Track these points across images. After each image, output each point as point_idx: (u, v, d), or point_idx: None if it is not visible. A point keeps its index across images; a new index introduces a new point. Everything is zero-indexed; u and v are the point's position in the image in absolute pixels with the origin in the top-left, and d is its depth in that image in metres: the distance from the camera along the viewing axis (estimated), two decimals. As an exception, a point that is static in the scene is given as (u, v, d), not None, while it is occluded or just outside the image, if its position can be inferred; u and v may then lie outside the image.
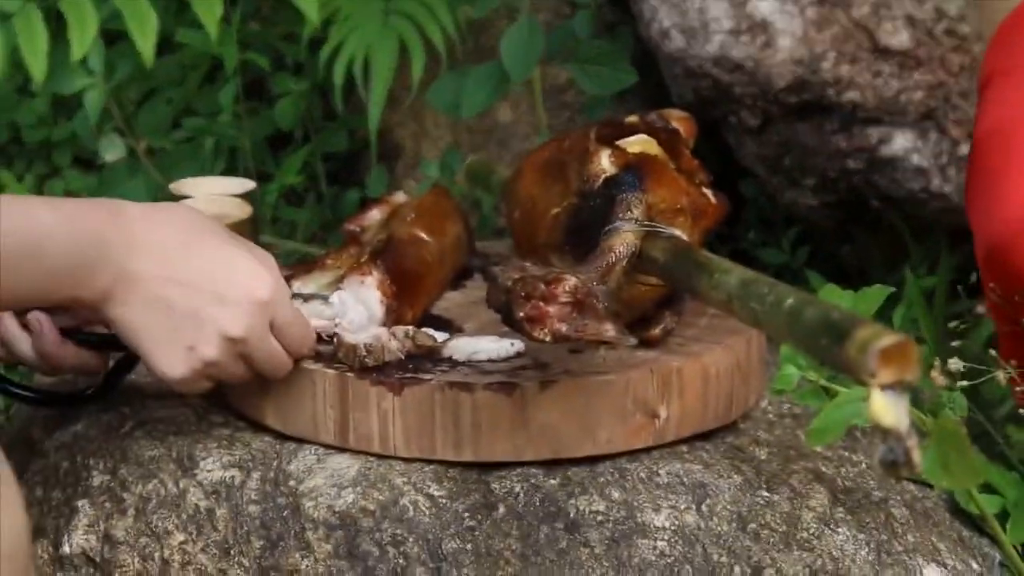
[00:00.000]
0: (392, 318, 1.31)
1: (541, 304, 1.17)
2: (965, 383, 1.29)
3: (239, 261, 1.21)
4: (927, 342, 1.91)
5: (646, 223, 1.24)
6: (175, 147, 2.15)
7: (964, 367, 1.29)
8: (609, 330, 1.17)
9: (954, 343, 1.36)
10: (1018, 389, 1.31)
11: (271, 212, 2.11)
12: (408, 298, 1.33)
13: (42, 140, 2.20)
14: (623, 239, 1.23)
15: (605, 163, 1.29)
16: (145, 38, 2.00)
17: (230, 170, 2.17)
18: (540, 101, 2.02)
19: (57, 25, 2.04)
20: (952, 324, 1.37)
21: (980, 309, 1.36)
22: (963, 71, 1.79)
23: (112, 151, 2.12)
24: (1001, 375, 1.31)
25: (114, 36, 2.14)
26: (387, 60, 2.04)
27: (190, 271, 1.19)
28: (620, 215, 1.25)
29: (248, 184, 1.50)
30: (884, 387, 0.92)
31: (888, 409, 0.91)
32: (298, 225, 2.14)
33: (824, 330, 0.97)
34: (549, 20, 2.07)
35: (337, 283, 1.32)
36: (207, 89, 2.18)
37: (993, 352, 1.31)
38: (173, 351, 1.20)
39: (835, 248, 2.06)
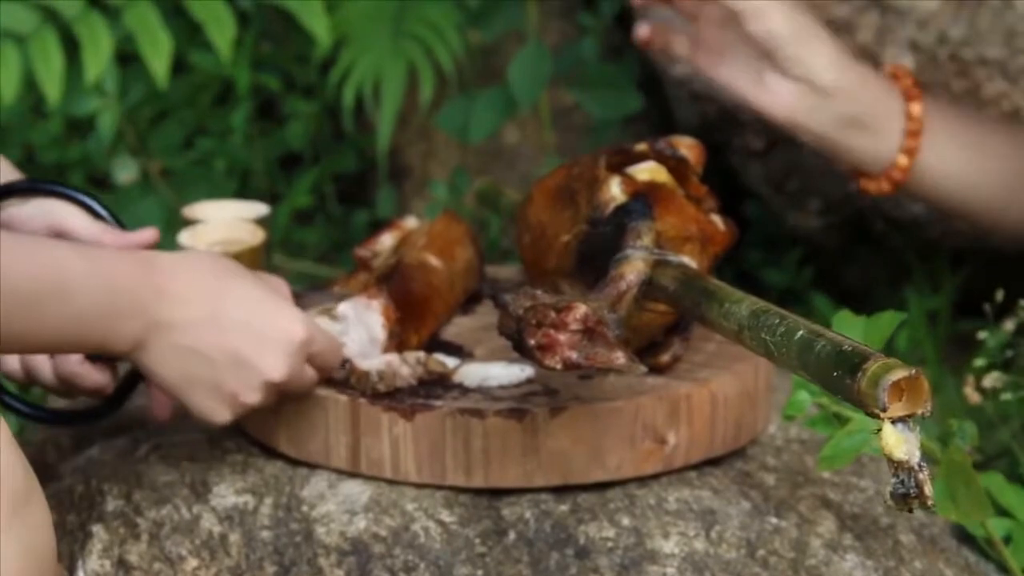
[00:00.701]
0: (394, 343, 1.32)
1: (552, 332, 1.18)
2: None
3: (270, 303, 1.22)
4: (930, 362, 1.92)
5: (656, 251, 1.25)
6: (188, 168, 2.17)
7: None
8: (620, 358, 1.18)
9: (976, 360, 1.36)
10: None
11: (281, 233, 2.13)
12: (413, 323, 1.34)
13: (56, 160, 2.21)
14: (633, 267, 1.25)
15: (615, 191, 1.31)
16: (159, 60, 2.02)
17: (242, 191, 2.19)
18: (547, 123, 2.03)
19: (71, 47, 2.06)
20: (982, 335, 1.37)
21: (981, 335, 1.37)
22: (967, 95, 1.81)
23: (125, 172, 2.14)
24: None
25: (127, 58, 2.16)
26: (396, 82, 2.06)
27: (225, 319, 1.20)
28: (630, 243, 1.26)
29: (261, 209, 1.51)
30: (895, 420, 0.93)
31: (899, 442, 0.93)
32: (308, 246, 2.15)
33: (836, 363, 0.98)
34: (556, 43, 2.09)
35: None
36: (219, 110, 2.20)
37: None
38: (216, 399, 1.21)
39: (839, 269, 2.08)
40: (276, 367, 1.21)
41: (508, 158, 2.16)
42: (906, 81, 1.49)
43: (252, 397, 1.21)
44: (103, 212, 1.33)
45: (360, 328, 1.31)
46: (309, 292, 1.45)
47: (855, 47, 1.82)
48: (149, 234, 1.31)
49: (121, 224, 1.34)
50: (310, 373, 1.26)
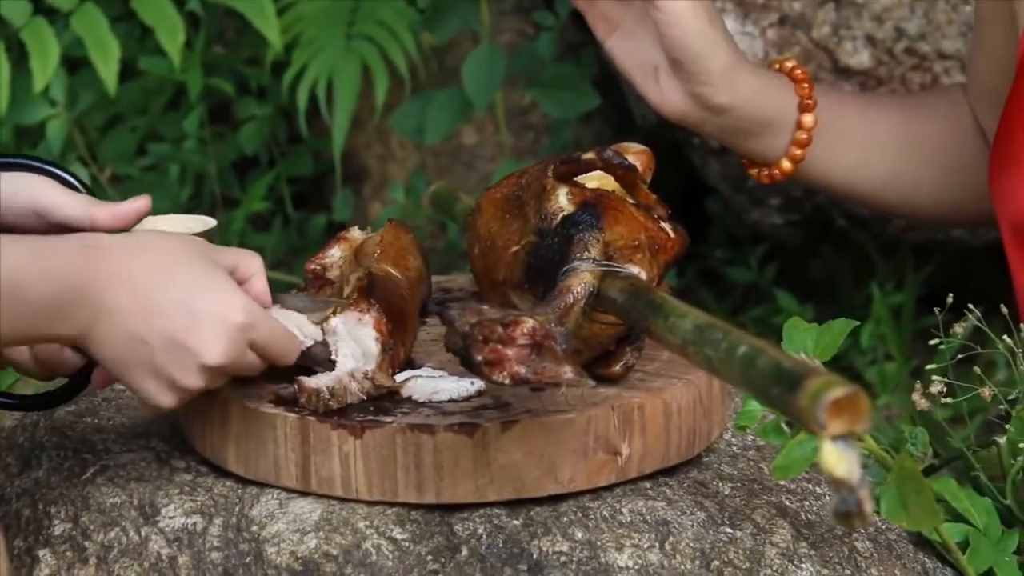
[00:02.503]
0: (389, 356, 1.30)
1: (499, 347, 1.17)
2: (948, 400, 1.30)
3: (210, 285, 1.21)
4: (895, 359, 1.92)
5: (603, 263, 1.24)
6: (140, 175, 2.15)
7: (943, 387, 1.30)
8: (567, 372, 1.17)
9: (928, 366, 1.36)
10: None
11: (237, 239, 2.11)
12: (400, 336, 1.32)
13: (6, 169, 2.19)
14: (581, 279, 1.23)
15: (563, 201, 1.29)
16: (108, 66, 2.01)
17: (196, 196, 2.17)
18: (504, 124, 2.02)
19: (18, 54, 2.04)
20: (933, 341, 1.37)
21: (957, 328, 1.37)
22: (924, 88, 1.80)
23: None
24: (985, 391, 1.31)
25: (76, 63, 2.14)
26: (350, 83, 2.04)
27: (164, 302, 1.18)
28: (578, 255, 1.25)
29: (209, 222, 1.49)
30: (835, 438, 0.92)
31: (839, 460, 0.91)
32: (265, 251, 2.13)
33: (776, 379, 0.97)
34: (512, 41, 2.08)
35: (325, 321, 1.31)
36: (171, 115, 2.18)
37: (977, 369, 1.32)
38: (158, 384, 1.20)
39: (803, 265, 2.07)
40: (212, 351, 1.19)
41: (466, 159, 2.14)
42: (804, 88, 1.49)
43: (191, 380, 1.20)
44: (79, 186, 1.30)
45: (350, 343, 1.29)
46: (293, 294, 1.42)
47: (812, 42, 1.81)
48: (142, 203, 1.29)
49: (93, 195, 1.31)
50: (252, 358, 1.23)
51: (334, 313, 1.30)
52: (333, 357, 1.29)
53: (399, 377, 1.30)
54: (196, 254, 1.22)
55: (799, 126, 1.50)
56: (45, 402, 1.34)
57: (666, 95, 1.48)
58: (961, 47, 1.78)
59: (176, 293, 1.19)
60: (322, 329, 1.29)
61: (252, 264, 1.27)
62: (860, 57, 1.80)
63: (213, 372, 1.20)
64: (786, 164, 1.52)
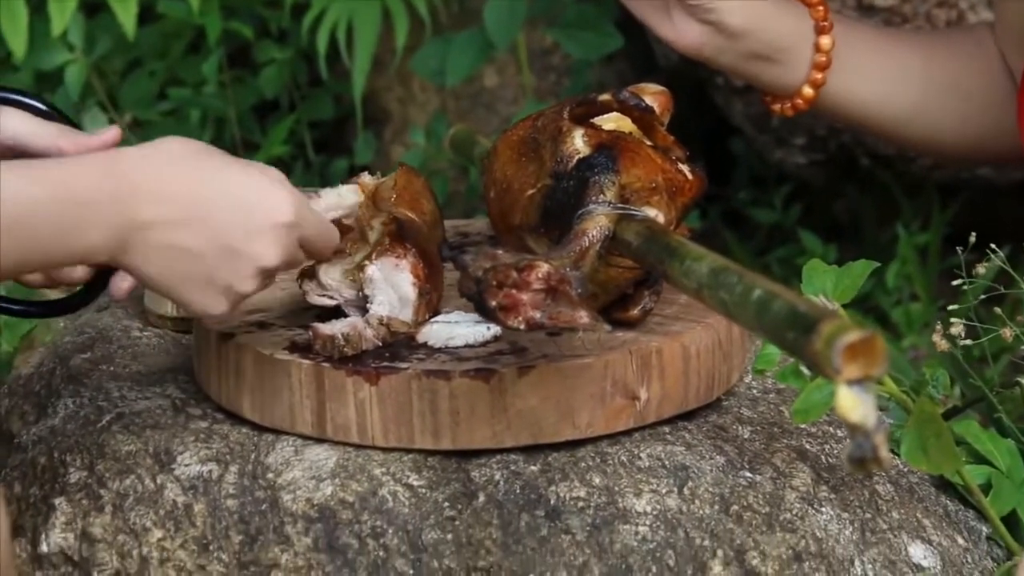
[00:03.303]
0: (424, 302, 1.29)
1: (514, 292, 1.16)
2: (968, 342, 1.28)
3: (254, 185, 1.17)
4: (921, 299, 1.90)
5: (619, 206, 1.22)
6: (160, 119, 2.14)
7: (964, 329, 1.28)
8: (583, 317, 1.16)
9: (950, 306, 1.34)
10: None
11: (258, 183, 2.10)
12: (434, 280, 1.31)
13: (27, 114, 2.18)
14: (596, 222, 1.22)
15: (579, 143, 1.27)
16: (126, 10, 1.99)
17: (217, 140, 2.15)
18: (526, 65, 2.00)
19: (36, -1, 2.03)
20: (955, 283, 1.35)
21: (980, 269, 1.35)
22: (949, 25, 1.77)
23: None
24: (1007, 332, 1.30)
25: (95, 7, 2.12)
26: (370, 26, 2.02)
27: (206, 209, 1.14)
28: (593, 198, 1.23)
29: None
30: (850, 382, 0.90)
31: (855, 405, 0.90)
32: (286, 195, 2.12)
33: (791, 323, 0.95)
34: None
35: (359, 268, 1.30)
36: (191, 59, 2.16)
37: (998, 310, 1.31)
38: (211, 293, 1.16)
39: (827, 205, 2.05)
40: (268, 253, 1.16)
41: (488, 101, 2.12)
42: (818, 11, 1.47)
43: (247, 285, 1.17)
44: (51, 112, 1.26)
45: (388, 290, 1.28)
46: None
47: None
48: (110, 135, 1.23)
49: (74, 124, 1.27)
50: (300, 254, 1.21)
51: (368, 259, 1.28)
52: (368, 304, 1.28)
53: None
54: (223, 153, 1.18)
55: (817, 48, 1.47)
56: (62, 308, 1.29)
57: (680, 31, 1.46)
58: (987, -17, 1.75)
59: (219, 198, 1.15)
60: (354, 278, 1.28)
61: (273, 172, 1.21)
62: (884, -7, 1.77)
63: (268, 274, 1.18)
64: (807, 90, 1.49)
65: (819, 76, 1.48)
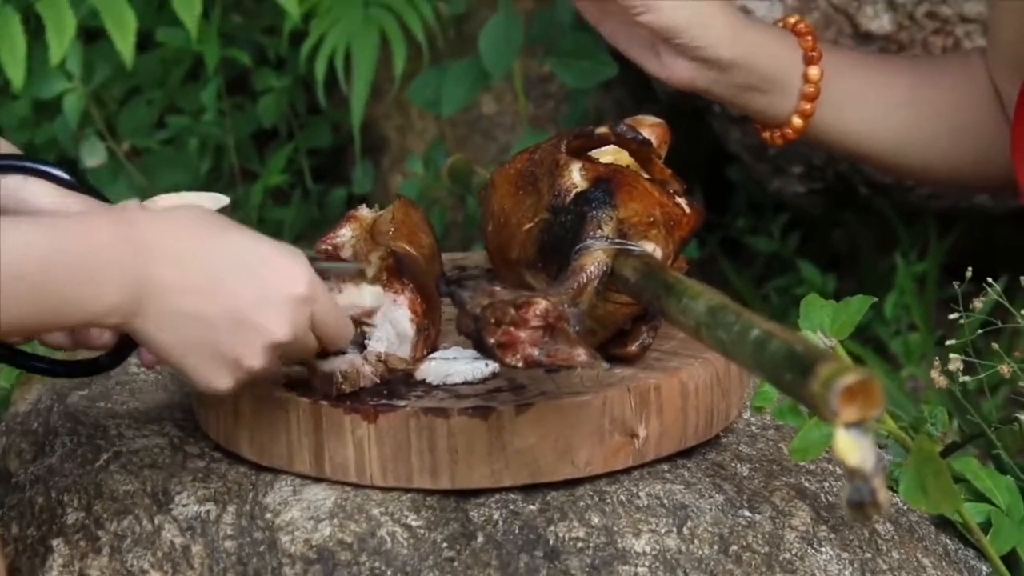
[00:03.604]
0: (423, 338, 1.28)
1: (512, 329, 1.15)
2: (967, 378, 1.28)
3: (267, 257, 1.15)
4: (920, 329, 1.89)
5: (617, 241, 1.22)
6: (159, 148, 2.14)
7: (962, 364, 1.28)
8: (581, 354, 1.15)
9: (948, 341, 1.34)
10: None
11: (257, 212, 2.10)
12: (431, 316, 1.30)
13: (26, 142, 2.18)
14: (594, 258, 1.21)
15: (576, 177, 1.27)
16: (124, 38, 1.99)
17: (215, 169, 2.16)
18: (522, 93, 2.00)
19: (35, 26, 2.03)
20: (952, 316, 1.35)
21: (977, 303, 1.34)
22: (946, 52, 1.77)
23: (93, 156, 2.11)
24: (1005, 368, 1.29)
25: (93, 35, 2.12)
26: (368, 53, 2.02)
27: (219, 278, 1.12)
28: (591, 233, 1.23)
29: (222, 200, 1.47)
30: (848, 425, 0.90)
31: (853, 448, 0.89)
32: (285, 224, 2.12)
33: (788, 364, 0.95)
34: (530, 8, 2.05)
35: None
36: (190, 86, 2.17)
37: (995, 345, 1.31)
38: (216, 365, 1.14)
39: (825, 233, 2.05)
40: (278, 326, 1.14)
41: (485, 128, 2.12)
42: (807, 42, 1.47)
43: (255, 360, 1.14)
44: (76, 183, 1.24)
45: (386, 325, 1.27)
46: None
47: (832, 7, 1.78)
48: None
49: (100, 195, 1.25)
50: (311, 339, 1.18)
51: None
52: (366, 341, 1.27)
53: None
54: (234, 224, 1.16)
55: (806, 79, 1.48)
56: (87, 369, 1.28)
57: (670, 68, 1.47)
58: (982, 10, 1.75)
59: (235, 268, 1.12)
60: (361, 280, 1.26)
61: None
62: (881, 21, 1.77)
63: (276, 350, 1.15)
64: (796, 120, 1.49)
65: (808, 106, 1.49)
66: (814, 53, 1.48)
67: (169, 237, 1.11)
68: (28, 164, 1.24)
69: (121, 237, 1.09)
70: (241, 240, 1.15)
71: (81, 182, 1.25)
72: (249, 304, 1.13)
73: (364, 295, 1.26)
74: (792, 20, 1.50)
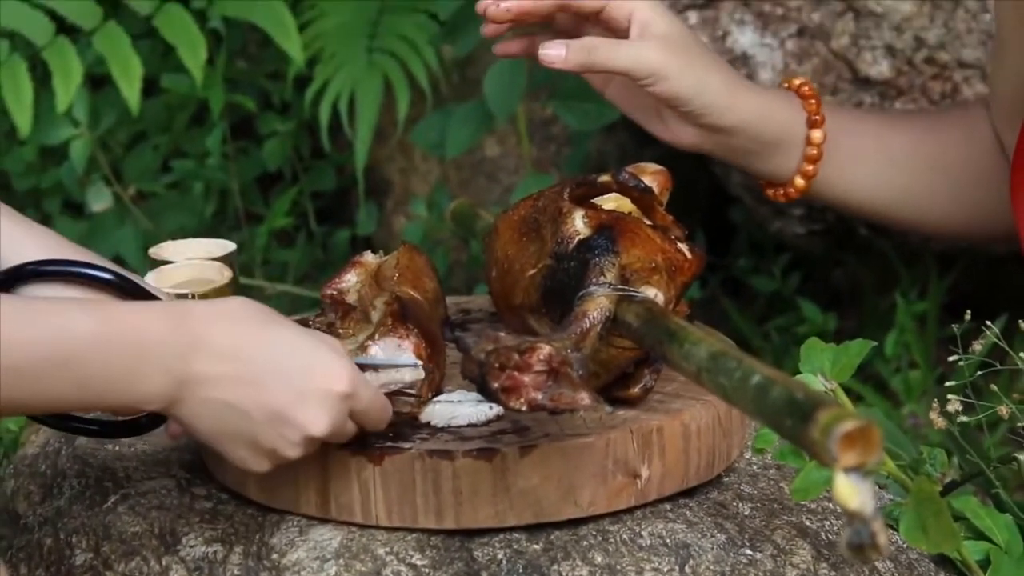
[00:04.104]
0: (428, 381, 1.30)
1: (516, 374, 1.17)
2: (965, 418, 1.30)
3: (311, 353, 1.18)
4: (920, 367, 1.91)
5: (619, 287, 1.24)
6: (164, 192, 2.16)
7: (961, 405, 1.30)
8: (584, 398, 1.17)
9: (947, 383, 1.35)
10: None
11: (261, 255, 2.11)
12: (436, 359, 1.32)
13: (31, 188, 2.20)
14: (597, 304, 1.23)
15: (579, 224, 1.29)
16: (130, 85, 2.01)
17: (220, 212, 2.17)
18: (525, 136, 2.02)
19: (41, 72, 2.05)
20: (952, 358, 1.37)
21: (976, 345, 1.36)
22: (944, 98, 1.79)
23: (99, 202, 2.12)
24: (1003, 409, 1.31)
25: (99, 81, 2.14)
26: (372, 98, 2.04)
27: (263, 371, 1.15)
28: (594, 280, 1.24)
29: (228, 246, 1.50)
30: (848, 470, 0.91)
31: (852, 492, 0.91)
32: (289, 266, 2.14)
33: (788, 410, 0.96)
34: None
35: (362, 348, 1.30)
36: (194, 131, 2.19)
37: (994, 387, 1.32)
38: (254, 453, 1.18)
39: (826, 273, 2.06)
40: (317, 421, 1.17)
41: (489, 171, 2.14)
42: (811, 105, 1.50)
43: (292, 452, 1.18)
44: (127, 284, 1.25)
45: (390, 370, 1.29)
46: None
47: (831, 53, 1.80)
48: None
49: (144, 291, 1.26)
50: (351, 427, 1.22)
51: (371, 339, 1.29)
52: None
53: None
54: (287, 320, 1.20)
55: (809, 142, 1.51)
56: (127, 430, 1.29)
57: (675, 132, 1.50)
58: (981, 56, 1.77)
59: (276, 362, 1.16)
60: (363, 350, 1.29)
61: (331, 341, 1.22)
62: (880, 67, 1.79)
63: (314, 444, 1.19)
64: (799, 181, 1.52)
65: (810, 168, 1.51)
66: (817, 117, 1.51)
67: (217, 331, 1.14)
68: (85, 271, 1.24)
69: (175, 330, 1.13)
70: (286, 335, 1.17)
71: (129, 283, 1.25)
72: (289, 400, 1.16)
73: (404, 373, 1.28)
74: (797, 82, 1.52)
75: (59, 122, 2.07)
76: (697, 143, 1.50)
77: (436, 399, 1.31)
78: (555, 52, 1.44)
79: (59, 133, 2.07)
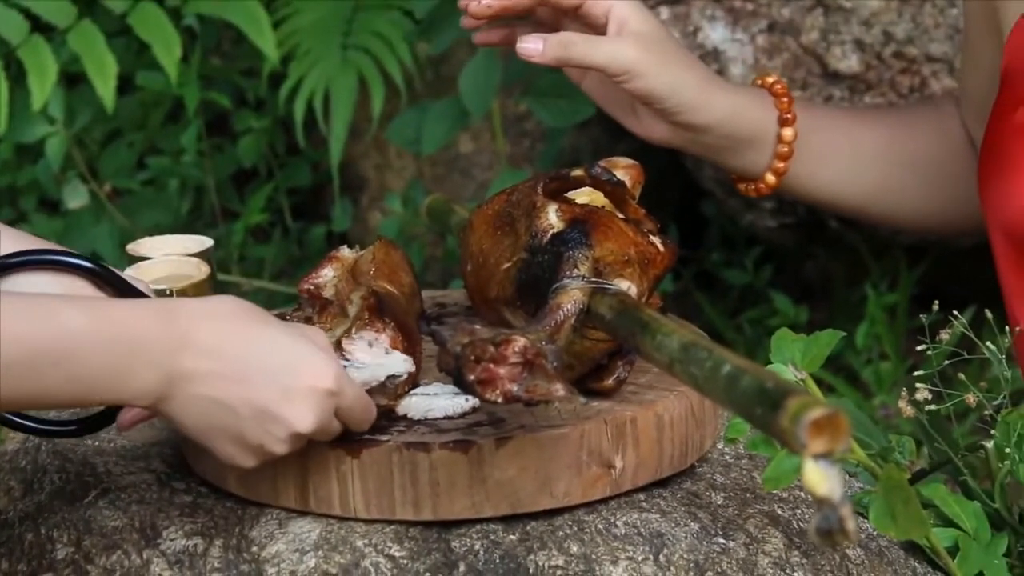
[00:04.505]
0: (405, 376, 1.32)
1: (491, 366, 1.18)
2: (934, 407, 1.32)
3: (297, 351, 1.19)
4: (891, 358, 1.93)
5: (592, 280, 1.26)
6: (140, 189, 2.17)
7: (930, 393, 1.32)
8: (559, 389, 1.18)
9: (916, 372, 1.38)
10: None
11: (238, 251, 2.13)
12: (412, 353, 1.33)
13: (8, 185, 2.21)
14: (570, 297, 1.25)
15: (552, 218, 1.31)
16: (105, 82, 2.02)
17: (196, 209, 2.19)
18: (500, 132, 2.03)
19: (16, 71, 2.06)
20: (920, 347, 1.39)
21: (943, 335, 1.38)
22: (913, 92, 1.81)
23: (75, 199, 2.13)
24: (970, 398, 1.33)
25: (74, 79, 2.15)
26: (347, 94, 2.06)
27: (249, 367, 1.17)
28: (567, 273, 1.26)
29: (206, 242, 1.51)
30: (817, 456, 0.93)
31: (821, 479, 0.93)
32: (265, 262, 2.15)
33: (759, 399, 0.98)
34: (507, 49, 2.08)
35: (338, 343, 1.31)
36: (170, 128, 2.20)
37: (962, 376, 1.35)
38: (241, 449, 1.20)
39: (798, 266, 2.08)
40: (303, 418, 1.19)
41: (463, 167, 2.16)
42: (783, 103, 1.52)
43: (278, 448, 1.20)
44: (107, 273, 1.27)
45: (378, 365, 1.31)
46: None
47: (801, 48, 1.83)
48: None
49: (130, 287, 1.27)
50: (336, 425, 1.23)
51: (348, 333, 1.31)
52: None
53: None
54: (274, 319, 1.21)
55: (779, 140, 1.53)
56: (79, 429, 1.31)
57: (648, 127, 1.52)
58: (949, 50, 1.79)
59: (263, 359, 1.17)
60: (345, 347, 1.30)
61: (319, 337, 1.23)
62: (849, 61, 1.82)
63: (301, 439, 1.21)
64: (770, 178, 1.54)
65: (781, 165, 1.53)
66: (789, 115, 1.53)
67: (204, 329, 1.16)
68: (75, 261, 1.25)
69: (161, 327, 1.14)
70: (272, 333, 1.19)
71: (109, 273, 1.26)
72: (275, 396, 1.18)
73: (396, 362, 1.30)
74: (770, 80, 1.55)
75: (35, 120, 2.08)
76: (669, 138, 1.52)
77: (412, 392, 1.33)
78: (532, 46, 1.46)
79: (35, 131, 2.08)
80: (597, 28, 1.48)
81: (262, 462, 1.22)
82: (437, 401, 1.31)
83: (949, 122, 1.57)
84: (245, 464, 1.21)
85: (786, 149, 1.53)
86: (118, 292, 1.26)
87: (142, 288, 1.28)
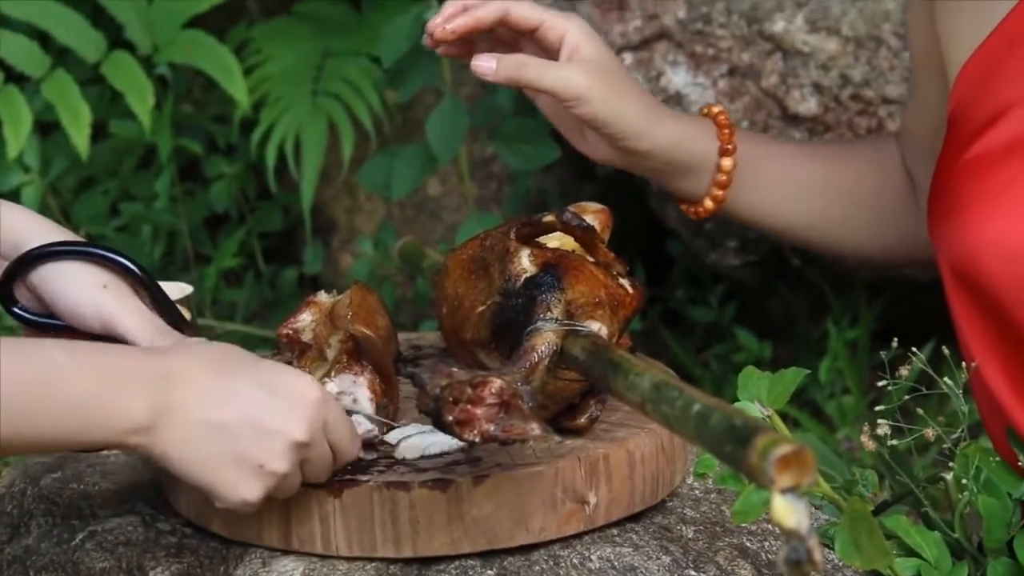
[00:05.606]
0: (383, 415, 1.36)
1: (469, 407, 1.22)
2: (895, 442, 1.36)
3: (279, 370, 1.24)
4: (853, 392, 1.98)
5: (565, 322, 1.30)
6: (114, 235, 2.20)
7: (890, 428, 1.36)
8: (534, 429, 1.22)
9: (877, 407, 1.42)
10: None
11: (211, 295, 2.16)
12: (390, 394, 1.38)
13: (-18, 232, 2.23)
14: (544, 339, 1.29)
15: (525, 263, 1.35)
16: (79, 130, 2.05)
17: (169, 254, 2.22)
18: (467, 175, 2.07)
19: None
20: (881, 383, 1.43)
21: (903, 371, 1.43)
22: (870, 132, 1.86)
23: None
24: (929, 432, 1.37)
25: (48, 127, 2.18)
26: (317, 140, 2.10)
27: (237, 388, 1.20)
28: (541, 315, 1.30)
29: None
30: (784, 491, 0.98)
31: (789, 512, 0.97)
32: (238, 305, 2.18)
33: (728, 436, 1.02)
34: (473, 94, 2.13)
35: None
36: (143, 175, 2.23)
37: (920, 410, 1.39)
38: (243, 474, 1.21)
39: (761, 303, 2.13)
40: (298, 427, 1.22)
41: (432, 209, 2.20)
42: (724, 134, 1.57)
43: (279, 463, 1.22)
44: (137, 271, 1.32)
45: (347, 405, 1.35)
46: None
47: (761, 91, 1.87)
48: None
49: (156, 286, 1.33)
50: (327, 449, 1.26)
51: (327, 376, 1.35)
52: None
53: (392, 437, 1.35)
54: (254, 356, 1.25)
55: (719, 169, 1.59)
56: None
57: (593, 148, 1.57)
58: (904, 92, 1.84)
59: (247, 381, 1.21)
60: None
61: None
62: (808, 104, 1.86)
63: (298, 452, 1.22)
64: (708, 203, 1.61)
65: (719, 192, 1.59)
66: (729, 146, 1.59)
67: (187, 361, 1.20)
68: (103, 253, 1.31)
69: (149, 362, 1.19)
70: (254, 360, 1.24)
71: (141, 270, 1.33)
72: (266, 408, 1.21)
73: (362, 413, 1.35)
74: (715, 110, 1.60)
75: (10, 169, 2.11)
76: (613, 160, 1.58)
77: (408, 434, 1.36)
78: (487, 64, 1.50)
79: (10, 180, 2.11)
80: (551, 52, 1.53)
81: (265, 491, 1.22)
82: (433, 438, 1.34)
83: (889, 159, 1.63)
84: (251, 495, 1.21)
85: (724, 177, 1.58)
86: (149, 294, 1.33)
87: (170, 290, 1.35)
